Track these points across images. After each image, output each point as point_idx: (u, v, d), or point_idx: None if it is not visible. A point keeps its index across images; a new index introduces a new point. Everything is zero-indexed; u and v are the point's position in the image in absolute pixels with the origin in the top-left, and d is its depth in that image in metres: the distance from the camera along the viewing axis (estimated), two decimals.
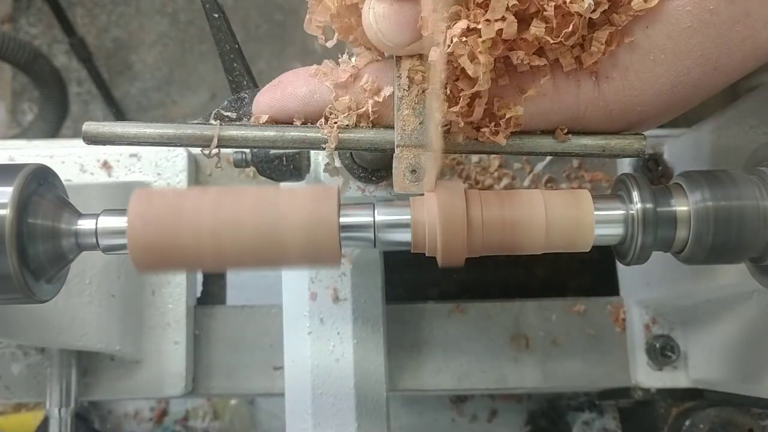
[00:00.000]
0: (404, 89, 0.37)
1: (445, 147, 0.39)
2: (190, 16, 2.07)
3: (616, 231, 0.38)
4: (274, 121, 0.39)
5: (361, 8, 0.36)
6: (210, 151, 0.39)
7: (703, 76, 0.36)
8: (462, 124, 0.37)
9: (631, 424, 0.74)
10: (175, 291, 0.67)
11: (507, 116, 0.37)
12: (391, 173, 0.54)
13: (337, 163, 0.55)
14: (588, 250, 0.38)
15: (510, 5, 0.33)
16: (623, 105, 0.37)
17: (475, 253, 0.38)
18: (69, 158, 0.68)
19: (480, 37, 0.33)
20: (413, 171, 0.37)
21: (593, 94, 0.37)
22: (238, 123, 0.40)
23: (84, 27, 2.02)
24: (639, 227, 0.37)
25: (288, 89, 0.39)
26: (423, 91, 0.36)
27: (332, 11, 0.37)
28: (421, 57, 0.36)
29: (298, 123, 0.39)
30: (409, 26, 0.34)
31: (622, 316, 0.70)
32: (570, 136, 0.38)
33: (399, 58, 0.37)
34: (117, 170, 0.68)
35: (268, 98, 0.39)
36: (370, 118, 0.38)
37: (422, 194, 0.37)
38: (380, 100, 0.38)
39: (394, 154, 0.37)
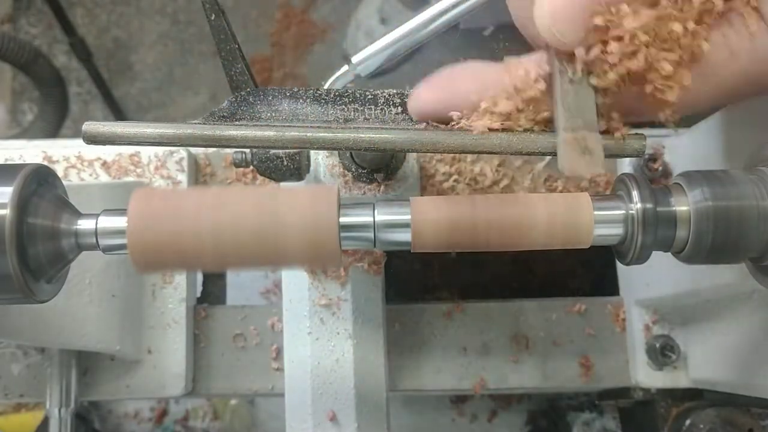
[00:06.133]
0: (568, 75, 0.36)
1: (444, 147, 0.39)
2: (190, 16, 2.07)
3: (615, 231, 0.38)
4: (436, 119, 0.39)
5: None
6: None
7: None
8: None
9: (631, 424, 0.74)
10: (175, 291, 0.67)
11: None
12: (392, 172, 0.54)
13: (335, 161, 0.55)
14: (587, 247, 0.38)
15: None
16: None
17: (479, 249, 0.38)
18: (69, 158, 0.68)
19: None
20: (582, 153, 0.37)
21: None
22: (238, 123, 0.40)
23: (84, 27, 2.02)
24: (639, 227, 0.37)
25: (458, 87, 0.38)
26: (587, 74, 0.36)
27: None
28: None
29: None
30: (584, 20, 0.34)
31: (622, 316, 0.70)
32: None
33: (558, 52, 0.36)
34: (117, 170, 0.68)
35: (435, 96, 0.38)
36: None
37: (595, 174, 0.37)
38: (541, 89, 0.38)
39: (560, 139, 0.37)
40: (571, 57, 0.36)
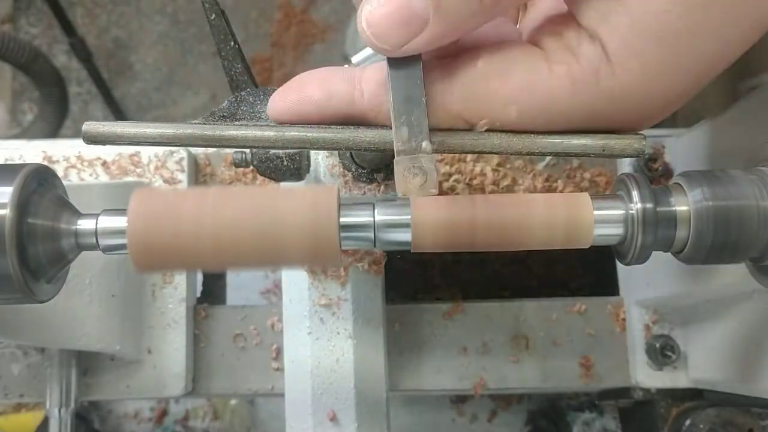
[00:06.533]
0: (396, 92, 0.36)
1: (444, 147, 0.39)
2: (190, 16, 2.07)
3: (615, 231, 0.38)
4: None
5: None
6: None
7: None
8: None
9: (631, 424, 0.74)
10: (175, 291, 0.67)
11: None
12: (392, 172, 0.54)
13: (335, 161, 0.55)
14: (587, 247, 0.38)
15: None
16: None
17: (479, 249, 0.38)
18: (69, 158, 0.68)
19: None
20: (415, 174, 0.37)
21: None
22: (238, 123, 0.40)
23: (84, 27, 2.02)
24: (639, 227, 0.37)
25: (305, 92, 0.38)
26: (413, 95, 0.36)
27: None
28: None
29: None
30: (401, 27, 0.34)
31: (622, 316, 0.70)
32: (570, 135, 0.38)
33: (391, 62, 0.37)
34: (117, 170, 0.68)
35: (284, 102, 0.39)
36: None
37: (427, 194, 0.37)
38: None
39: (395, 159, 0.37)
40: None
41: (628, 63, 0.34)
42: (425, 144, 0.36)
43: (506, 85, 0.36)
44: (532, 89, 0.35)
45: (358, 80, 0.38)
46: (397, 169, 0.37)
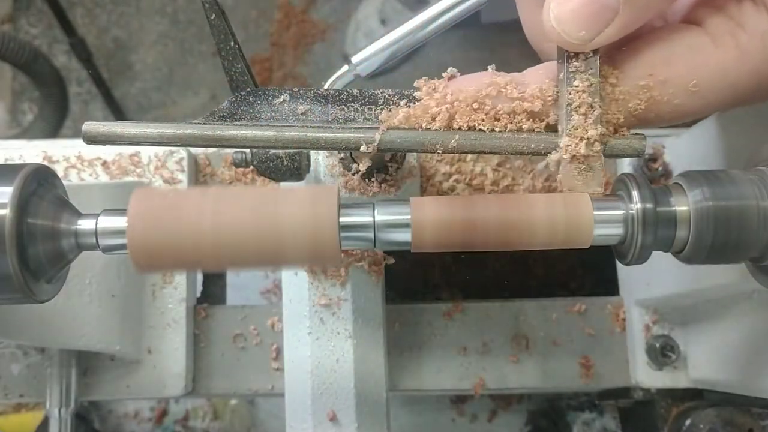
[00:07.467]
0: (573, 89, 0.37)
1: (444, 147, 0.39)
2: (190, 16, 2.07)
3: (616, 231, 0.38)
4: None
5: None
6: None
7: None
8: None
9: (631, 424, 0.74)
10: (175, 291, 0.67)
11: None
12: (391, 173, 0.54)
13: (335, 161, 0.55)
14: (587, 247, 0.38)
15: None
16: None
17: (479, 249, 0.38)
18: (69, 158, 0.68)
19: None
20: (583, 171, 0.37)
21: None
22: (238, 123, 0.40)
23: (84, 27, 2.02)
24: (639, 227, 0.37)
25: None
26: (591, 91, 0.37)
27: None
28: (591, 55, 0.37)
29: None
30: (591, 20, 0.35)
31: (622, 316, 0.70)
32: None
33: (569, 59, 0.37)
34: (117, 170, 0.68)
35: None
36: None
37: (592, 192, 0.38)
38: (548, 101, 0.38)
39: (564, 156, 0.38)
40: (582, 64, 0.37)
41: None
42: (597, 143, 0.37)
43: (675, 70, 0.36)
44: (700, 68, 0.36)
45: (518, 83, 0.39)
46: (564, 164, 0.37)
